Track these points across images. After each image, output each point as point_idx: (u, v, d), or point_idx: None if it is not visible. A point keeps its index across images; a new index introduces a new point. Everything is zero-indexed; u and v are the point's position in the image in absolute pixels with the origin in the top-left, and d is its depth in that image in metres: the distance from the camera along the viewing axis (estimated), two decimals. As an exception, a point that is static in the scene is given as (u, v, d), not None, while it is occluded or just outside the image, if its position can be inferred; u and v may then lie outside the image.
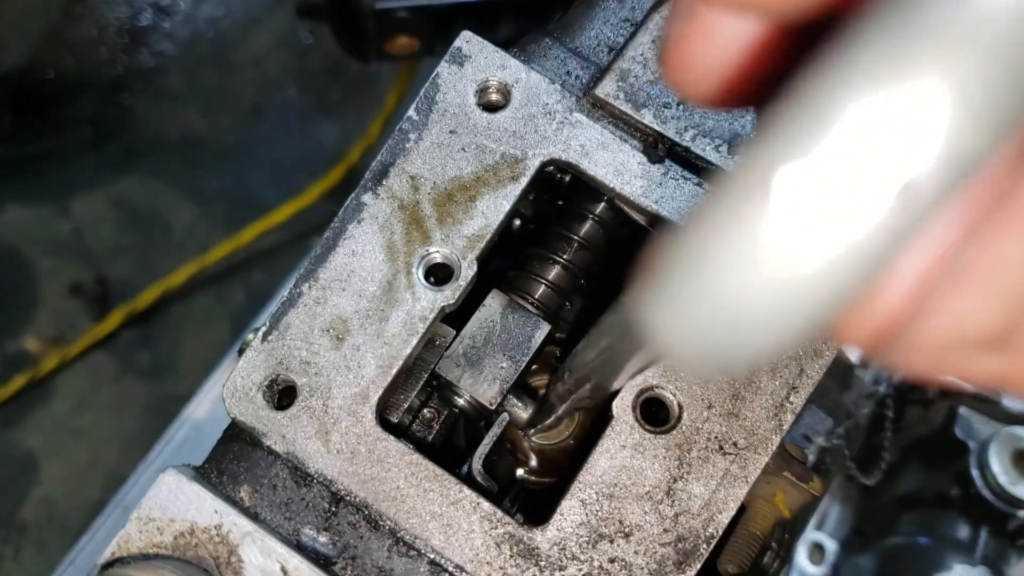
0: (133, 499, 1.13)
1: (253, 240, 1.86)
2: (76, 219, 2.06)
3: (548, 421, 0.69)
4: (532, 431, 0.71)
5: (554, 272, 0.72)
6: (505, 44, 0.70)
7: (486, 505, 0.61)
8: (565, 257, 0.72)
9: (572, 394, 0.55)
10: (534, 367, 0.72)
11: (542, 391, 0.72)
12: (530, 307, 0.70)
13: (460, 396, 0.68)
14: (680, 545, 0.60)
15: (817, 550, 0.98)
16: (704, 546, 0.60)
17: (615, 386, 0.47)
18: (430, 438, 0.71)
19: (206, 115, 2.12)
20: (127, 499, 1.13)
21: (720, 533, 0.61)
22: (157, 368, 1.96)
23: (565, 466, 0.75)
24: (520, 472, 0.76)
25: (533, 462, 0.75)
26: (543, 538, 0.61)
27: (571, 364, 0.54)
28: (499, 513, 0.61)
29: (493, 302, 0.69)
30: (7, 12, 2.13)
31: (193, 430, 1.15)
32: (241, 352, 0.72)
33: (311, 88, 2.11)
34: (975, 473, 0.94)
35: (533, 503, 0.74)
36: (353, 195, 0.66)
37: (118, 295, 1.98)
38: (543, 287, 0.72)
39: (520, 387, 0.70)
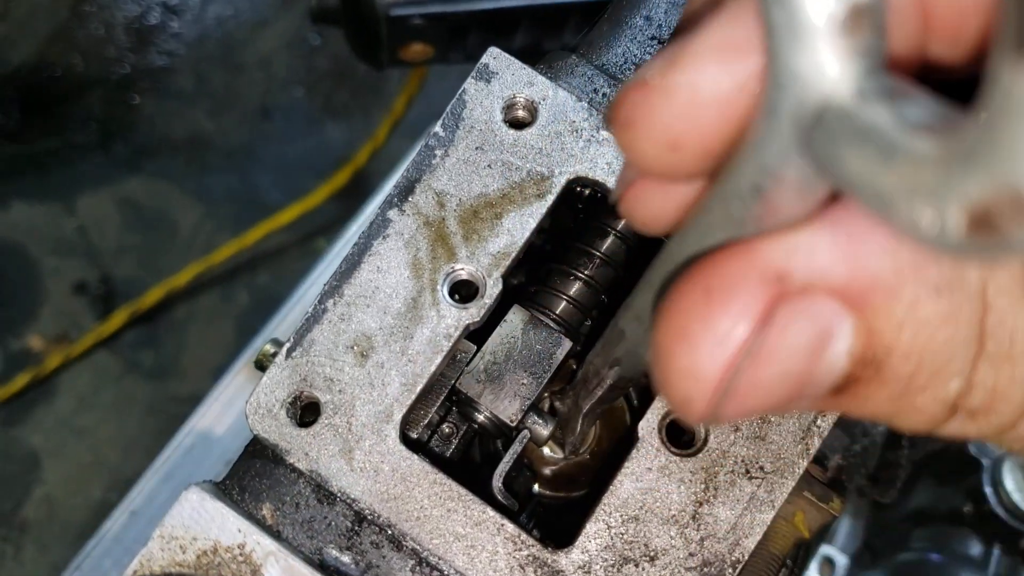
0: (141, 505, 1.12)
1: (259, 241, 1.86)
2: (81, 218, 2.05)
3: (573, 433, 0.68)
4: (566, 450, 0.71)
5: (575, 288, 0.72)
6: (520, 53, 0.69)
7: (510, 527, 0.61)
8: (587, 273, 0.72)
9: (600, 387, 0.54)
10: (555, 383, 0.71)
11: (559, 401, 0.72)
12: (551, 323, 0.70)
13: (480, 412, 0.68)
14: (706, 570, 0.60)
15: (827, 564, 0.98)
16: (730, 570, 0.60)
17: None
18: (448, 453, 0.70)
19: (213, 115, 2.11)
20: (134, 504, 1.13)
21: (746, 558, 0.60)
22: (160, 368, 1.95)
23: (583, 481, 0.75)
24: (537, 488, 0.76)
25: (551, 478, 0.74)
26: (567, 561, 0.60)
27: (599, 352, 0.54)
28: (523, 535, 0.61)
29: (514, 318, 0.69)
30: (15, 11, 2.12)
31: (201, 436, 1.15)
32: (258, 364, 0.72)
33: (318, 89, 2.11)
34: (988, 490, 0.94)
35: (550, 519, 0.74)
36: (379, 210, 0.66)
37: (122, 294, 1.97)
38: (564, 303, 0.72)
39: (541, 404, 0.69)
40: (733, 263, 0.33)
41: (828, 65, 0.28)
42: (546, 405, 0.73)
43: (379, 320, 0.64)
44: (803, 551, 0.75)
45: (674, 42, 0.34)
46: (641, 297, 0.44)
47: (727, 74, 0.32)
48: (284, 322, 1.26)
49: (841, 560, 0.98)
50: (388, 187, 0.67)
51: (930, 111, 0.26)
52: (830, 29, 0.27)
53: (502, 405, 0.67)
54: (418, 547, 0.61)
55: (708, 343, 0.33)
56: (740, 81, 0.32)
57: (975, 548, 0.95)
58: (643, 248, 0.72)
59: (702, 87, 0.32)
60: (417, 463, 0.62)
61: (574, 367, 0.74)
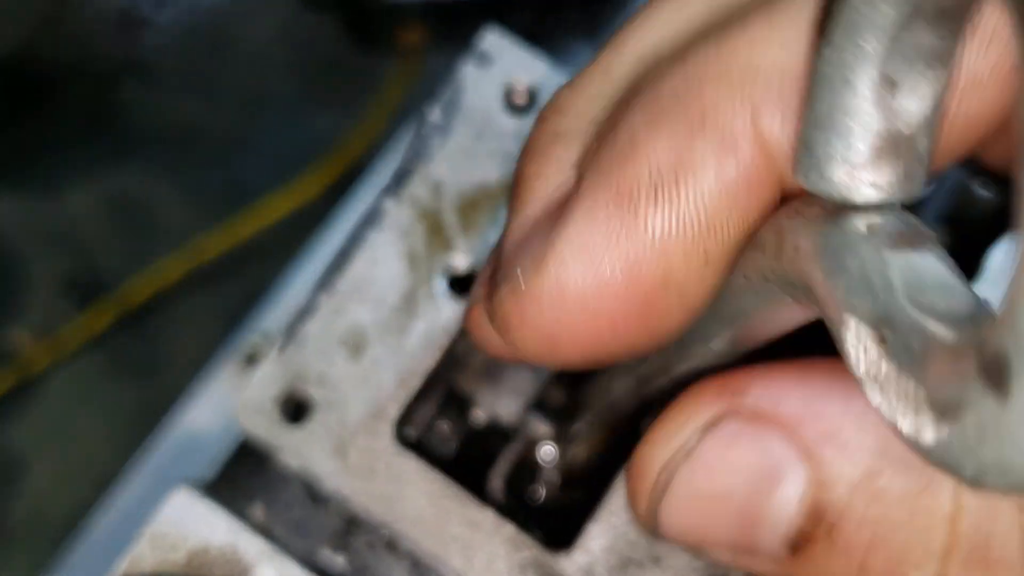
0: (127, 504, 1.11)
1: (249, 235, 1.84)
2: (68, 211, 2.03)
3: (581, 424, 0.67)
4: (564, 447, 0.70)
5: (576, 281, 0.71)
6: (520, 37, 0.68)
7: (509, 528, 0.60)
8: (587, 266, 0.70)
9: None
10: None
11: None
12: (552, 318, 0.69)
13: (479, 410, 0.67)
14: (711, 571, 0.59)
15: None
16: (735, 572, 0.59)
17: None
18: (445, 452, 0.69)
19: (203, 106, 2.09)
20: (122, 504, 1.11)
21: (752, 559, 0.59)
22: (149, 366, 1.93)
23: (584, 482, 0.74)
24: (537, 488, 0.75)
25: (552, 478, 0.73)
26: (569, 563, 0.59)
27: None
28: (522, 536, 0.60)
29: (514, 312, 0.67)
30: (1, 0, 2.10)
31: (189, 433, 1.13)
32: (250, 359, 0.70)
33: (312, 79, 2.08)
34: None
35: (551, 520, 0.73)
36: (373, 201, 0.64)
37: (110, 289, 1.94)
38: (565, 297, 0.70)
39: (541, 402, 0.68)
40: (708, 377, 0.36)
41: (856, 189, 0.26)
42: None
43: (373, 314, 0.62)
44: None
45: (540, 234, 0.36)
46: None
47: (591, 275, 0.33)
48: (274, 316, 1.24)
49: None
50: (380, 177, 0.65)
51: (942, 283, 0.24)
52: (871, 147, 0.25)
53: (501, 403, 0.66)
54: (414, 548, 0.59)
55: (658, 439, 0.35)
56: (604, 280, 0.33)
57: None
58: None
59: (567, 291, 0.34)
60: (412, 462, 0.60)
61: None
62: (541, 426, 0.68)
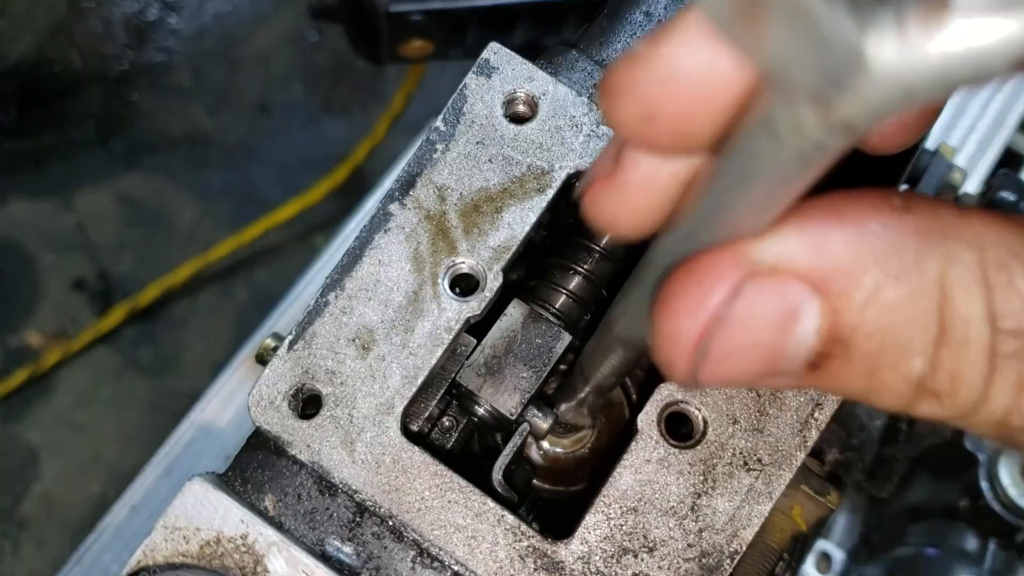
0: (140, 499, 1.12)
1: (257, 238, 1.86)
2: (80, 214, 2.05)
3: (574, 406, 0.68)
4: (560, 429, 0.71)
5: (575, 282, 0.72)
6: (520, 49, 0.70)
7: (510, 518, 0.62)
8: (586, 267, 0.72)
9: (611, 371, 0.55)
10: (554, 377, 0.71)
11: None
12: (551, 317, 0.70)
13: (480, 405, 0.68)
14: (704, 560, 0.60)
15: (824, 559, 0.98)
16: (728, 561, 0.61)
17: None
18: (448, 446, 0.71)
19: (212, 112, 2.11)
20: (134, 499, 1.13)
21: (744, 549, 0.61)
22: (159, 365, 1.95)
23: (581, 476, 0.75)
24: (535, 482, 0.76)
25: (550, 470, 0.75)
26: (567, 552, 0.61)
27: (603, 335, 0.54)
28: (523, 526, 0.61)
29: (514, 311, 0.69)
30: (14, 6, 2.12)
31: (200, 431, 1.15)
32: (259, 358, 0.72)
33: (317, 86, 2.11)
34: (984, 485, 0.94)
35: (549, 512, 0.75)
36: (380, 204, 0.66)
37: (121, 291, 1.97)
38: (564, 297, 0.72)
39: (540, 397, 0.70)
40: (714, 251, 0.38)
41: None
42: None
43: (380, 313, 0.64)
44: (800, 545, 0.76)
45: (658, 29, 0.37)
46: (634, 290, 0.46)
47: (706, 52, 0.34)
48: (283, 318, 1.26)
49: (838, 554, 0.99)
50: (387, 183, 0.68)
51: None
52: None
53: (502, 398, 0.67)
54: (419, 538, 0.61)
55: (685, 311, 0.38)
56: (717, 60, 0.34)
57: (971, 543, 0.95)
58: (641, 244, 0.72)
59: (679, 62, 0.35)
60: (418, 455, 0.62)
61: (572, 360, 0.74)
62: (540, 421, 0.69)
